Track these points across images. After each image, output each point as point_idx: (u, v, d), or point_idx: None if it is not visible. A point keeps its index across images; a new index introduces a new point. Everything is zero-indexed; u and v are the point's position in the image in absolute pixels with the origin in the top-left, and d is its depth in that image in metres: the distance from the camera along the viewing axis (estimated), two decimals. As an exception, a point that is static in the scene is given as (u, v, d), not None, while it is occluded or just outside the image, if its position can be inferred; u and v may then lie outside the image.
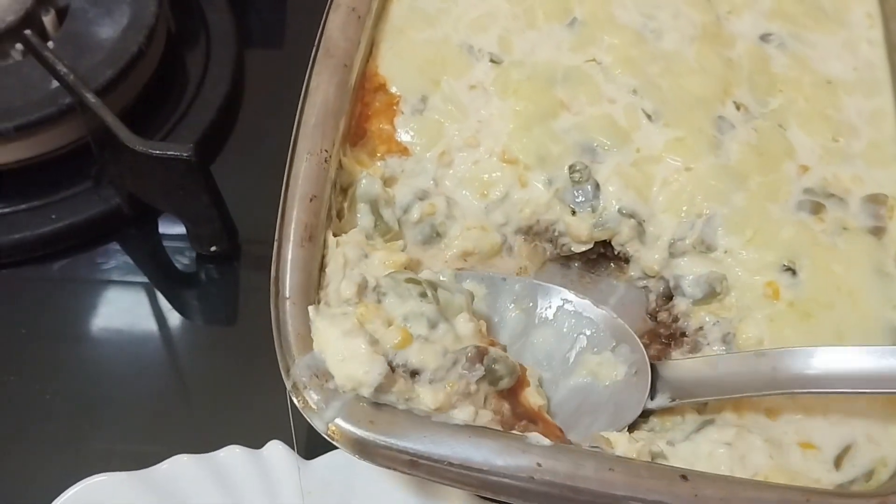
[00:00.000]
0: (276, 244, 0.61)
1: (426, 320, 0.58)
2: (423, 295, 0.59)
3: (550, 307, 0.67)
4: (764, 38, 0.78)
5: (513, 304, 0.67)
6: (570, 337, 0.66)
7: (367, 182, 0.67)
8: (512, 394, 0.60)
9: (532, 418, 0.60)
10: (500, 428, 0.57)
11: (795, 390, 0.58)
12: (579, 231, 0.69)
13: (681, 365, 0.63)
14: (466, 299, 0.62)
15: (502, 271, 0.70)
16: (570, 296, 0.66)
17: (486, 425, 0.57)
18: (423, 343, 0.57)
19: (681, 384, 0.62)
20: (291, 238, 0.61)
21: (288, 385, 0.56)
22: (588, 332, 0.65)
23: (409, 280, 0.60)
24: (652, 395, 0.62)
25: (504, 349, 0.62)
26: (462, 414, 0.56)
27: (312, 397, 0.55)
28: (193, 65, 0.89)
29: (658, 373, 0.63)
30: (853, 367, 0.57)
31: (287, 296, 0.59)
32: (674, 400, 0.62)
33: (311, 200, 0.62)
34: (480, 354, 0.58)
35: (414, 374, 0.57)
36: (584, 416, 0.63)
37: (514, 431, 0.57)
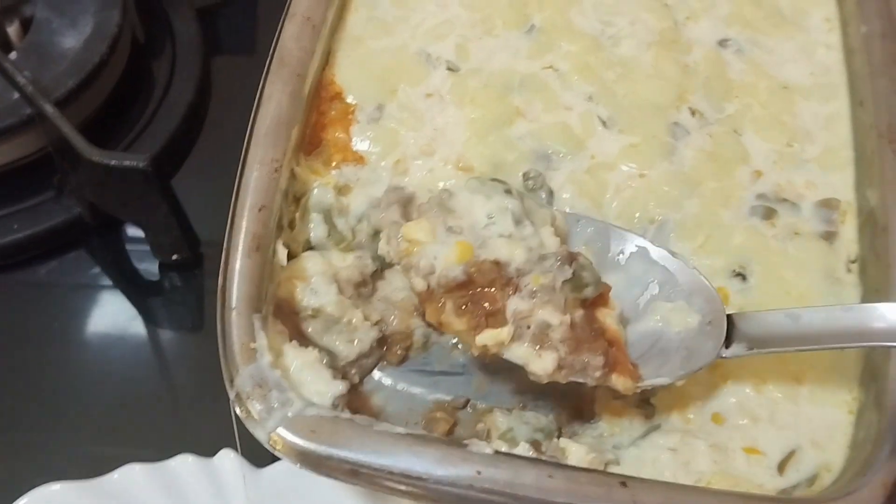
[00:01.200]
0: (223, 254, 0.61)
1: (511, 216, 0.60)
2: (509, 192, 0.61)
3: (623, 253, 0.66)
4: (722, 43, 0.79)
5: (584, 246, 0.66)
6: (642, 283, 0.65)
7: (319, 192, 0.68)
8: (592, 306, 0.61)
9: (609, 340, 0.60)
10: (571, 339, 0.58)
11: (888, 343, 0.58)
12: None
13: (760, 317, 0.61)
14: (552, 213, 0.62)
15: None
16: (646, 243, 0.65)
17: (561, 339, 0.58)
18: (508, 239, 0.59)
19: (759, 336, 0.60)
20: (240, 248, 0.61)
21: (231, 395, 0.57)
22: (661, 280, 0.64)
23: (495, 180, 0.63)
24: (727, 345, 0.61)
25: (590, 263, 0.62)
26: (547, 316, 0.57)
27: (255, 407, 0.56)
28: (159, 73, 0.90)
29: (735, 324, 0.61)
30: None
31: (233, 306, 0.59)
32: (751, 349, 0.60)
33: (259, 210, 0.63)
34: (571, 258, 0.59)
35: (498, 264, 0.58)
36: (654, 357, 0.62)
37: (584, 349, 0.59)
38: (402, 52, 0.76)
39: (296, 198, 0.68)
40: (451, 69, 0.75)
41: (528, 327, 0.58)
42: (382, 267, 0.68)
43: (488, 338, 0.59)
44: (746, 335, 0.60)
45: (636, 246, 0.65)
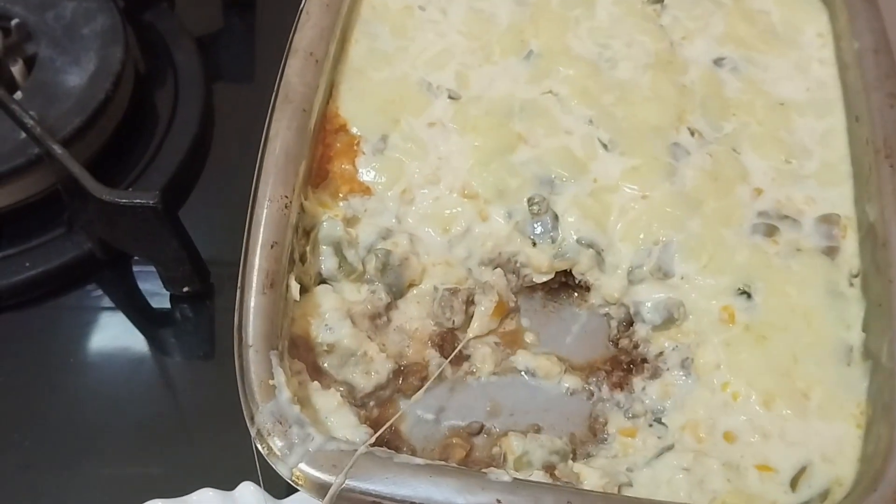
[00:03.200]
0: (238, 292, 0.62)
1: None
2: None
3: None
4: (717, 62, 0.80)
5: None
6: None
7: (328, 224, 0.69)
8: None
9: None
10: None
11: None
12: (540, 262, 0.71)
13: None
14: None
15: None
16: None
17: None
18: None
19: None
20: (254, 285, 0.62)
21: (252, 432, 0.58)
22: None
23: None
24: None
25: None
26: None
27: (276, 444, 0.57)
28: (162, 106, 0.91)
29: None
30: None
31: (250, 343, 0.60)
32: None
33: (272, 247, 0.64)
34: None
35: None
36: None
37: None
38: (403, 83, 0.77)
39: (305, 231, 0.69)
40: (453, 97, 0.76)
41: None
42: (395, 297, 0.69)
43: None
44: None
45: None
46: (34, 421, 0.76)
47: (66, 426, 0.76)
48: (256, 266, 0.63)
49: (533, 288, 0.73)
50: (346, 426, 0.63)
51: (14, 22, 0.86)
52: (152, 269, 0.82)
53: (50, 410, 0.76)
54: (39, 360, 0.79)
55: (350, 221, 0.71)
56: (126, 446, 0.75)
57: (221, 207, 0.87)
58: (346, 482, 0.55)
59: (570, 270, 0.72)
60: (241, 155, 0.86)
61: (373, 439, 0.59)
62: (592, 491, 0.58)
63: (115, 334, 0.82)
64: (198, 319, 0.83)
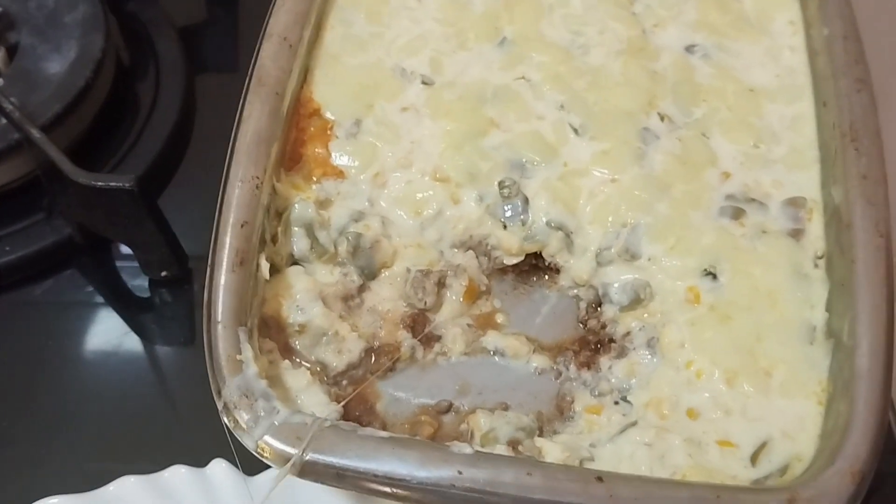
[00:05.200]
0: (208, 270, 0.63)
1: None
2: None
3: None
4: (689, 49, 0.81)
5: None
6: None
7: (300, 206, 0.70)
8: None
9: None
10: None
11: None
12: (510, 244, 0.72)
13: None
14: None
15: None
16: None
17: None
18: None
19: None
20: (224, 263, 0.63)
21: (219, 405, 0.59)
22: None
23: None
24: None
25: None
26: None
27: (243, 417, 0.58)
28: (144, 94, 0.92)
29: None
30: None
31: (218, 319, 0.61)
32: None
33: (242, 226, 0.65)
34: None
35: None
36: None
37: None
38: (377, 68, 0.78)
39: (278, 213, 0.70)
40: (426, 83, 0.77)
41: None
42: (367, 279, 0.70)
43: None
44: None
45: None
46: (11, 403, 0.77)
47: (41, 411, 0.77)
48: (227, 244, 0.64)
49: (504, 270, 0.74)
50: (317, 404, 0.64)
51: (-3, 11, 0.87)
52: (131, 254, 0.82)
53: (27, 393, 0.77)
54: (17, 344, 0.80)
55: (323, 204, 0.72)
56: (102, 427, 0.76)
57: (201, 195, 0.87)
58: (310, 455, 0.56)
59: (541, 253, 0.72)
60: (222, 144, 0.87)
61: (335, 412, 0.60)
62: (552, 463, 0.59)
63: (94, 319, 0.83)
64: (176, 304, 0.84)
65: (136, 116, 0.90)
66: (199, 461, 0.69)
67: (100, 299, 0.83)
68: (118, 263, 0.85)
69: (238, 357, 0.60)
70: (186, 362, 0.81)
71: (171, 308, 0.84)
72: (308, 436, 0.56)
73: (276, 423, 0.57)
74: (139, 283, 0.84)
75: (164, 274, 0.80)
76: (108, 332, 0.82)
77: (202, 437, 0.71)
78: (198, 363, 0.76)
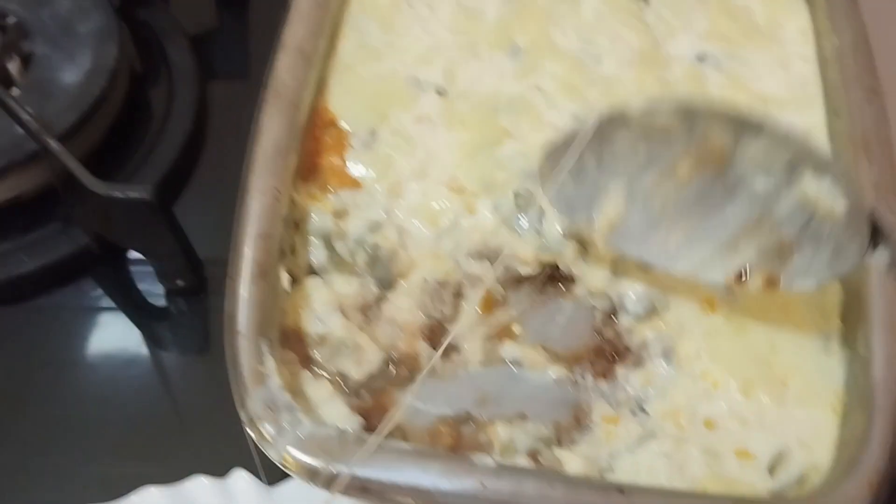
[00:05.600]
0: (228, 281, 0.64)
1: None
2: None
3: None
4: (700, 58, 0.81)
5: None
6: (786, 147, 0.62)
7: (318, 217, 0.70)
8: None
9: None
10: None
11: None
12: (525, 254, 0.72)
13: None
14: None
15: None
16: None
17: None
18: None
19: None
20: (245, 275, 0.64)
21: (243, 418, 0.59)
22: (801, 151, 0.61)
23: None
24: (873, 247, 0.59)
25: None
26: None
27: (267, 429, 0.58)
28: (157, 103, 0.92)
29: (879, 225, 0.59)
30: None
31: (241, 331, 0.62)
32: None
33: (262, 238, 0.65)
34: None
35: None
36: (806, 243, 0.63)
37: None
38: (392, 78, 0.78)
39: (295, 224, 0.71)
40: (440, 93, 0.78)
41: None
42: (385, 289, 0.71)
43: None
44: (892, 239, 0.58)
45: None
46: (29, 416, 0.77)
47: (61, 420, 0.77)
48: (247, 256, 0.64)
49: (520, 280, 0.75)
50: (338, 415, 0.64)
51: (11, 20, 0.87)
52: (147, 264, 0.83)
53: (45, 405, 0.78)
54: (35, 355, 0.81)
55: (339, 214, 0.72)
56: (121, 438, 0.76)
57: (215, 202, 0.88)
58: (335, 467, 0.57)
59: (556, 265, 0.73)
60: (235, 151, 0.87)
61: (357, 423, 0.61)
62: (574, 476, 0.60)
63: (110, 329, 0.83)
64: (192, 313, 0.84)
65: (150, 124, 0.90)
66: (217, 470, 0.69)
67: (115, 308, 0.83)
68: (133, 272, 0.85)
69: (261, 369, 0.60)
70: (201, 370, 0.81)
71: (186, 316, 0.84)
72: (355, 453, 0.57)
73: (300, 435, 0.58)
74: (154, 292, 0.84)
75: (179, 283, 0.81)
76: (123, 340, 0.82)
77: (219, 447, 0.72)
78: (213, 372, 0.76)
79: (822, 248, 0.62)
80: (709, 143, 0.62)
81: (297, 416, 0.59)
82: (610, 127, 0.65)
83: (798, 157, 0.61)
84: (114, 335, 0.83)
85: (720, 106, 0.63)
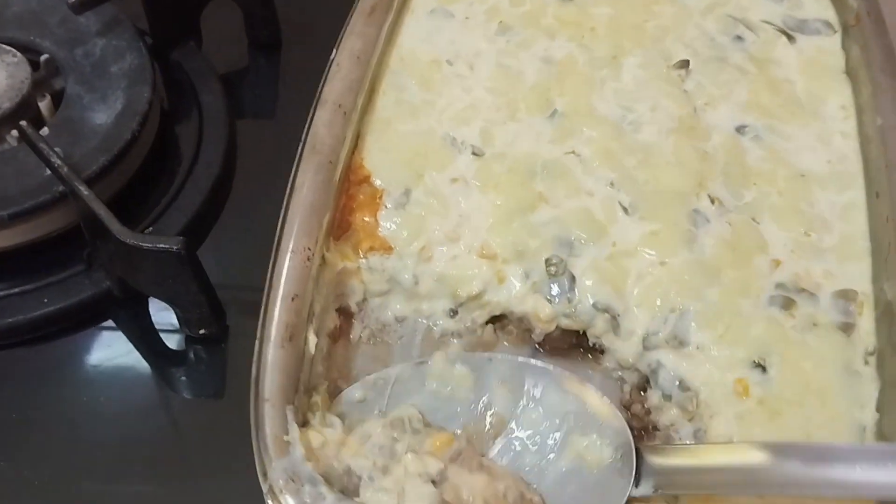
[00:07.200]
0: (257, 344, 0.63)
1: None
2: None
3: (537, 386, 0.68)
4: (739, 129, 0.80)
5: (500, 383, 0.68)
6: (559, 414, 0.67)
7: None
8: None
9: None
10: None
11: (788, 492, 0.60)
12: (542, 313, 0.71)
13: (666, 451, 0.64)
14: None
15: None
16: (558, 372, 0.68)
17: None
18: None
19: (664, 472, 0.62)
20: (273, 338, 0.63)
21: (264, 488, 0.58)
22: (575, 410, 0.66)
23: None
24: (637, 482, 0.62)
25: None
26: None
27: (288, 502, 0.57)
28: (186, 144, 0.91)
29: (643, 458, 0.63)
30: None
31: (266, 398, 0.61)
32: (657, 490, 0.62)
33: (292, 300, 0.64)
34: None
35: None
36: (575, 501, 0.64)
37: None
38: (428, 136, 0.78)
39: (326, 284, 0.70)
40: (476, 154, 0.77)
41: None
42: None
43: None
44: (654, 470, 0.62)
45: (547, 379, 0.68)
46: (45, 457, 0.76)
47: (75, 461, 0.76)
48: (276, 318, 0.63)
49: (549, 351, 0.74)
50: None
51: (43, 57, 0.87)
52: (168, 309, 0.82)
53: (61, 447, 0.77)
54: (53, 395, 0.80)
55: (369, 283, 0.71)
56: (136, 483, 0.75)
57: (240, 247, 0.88)
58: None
59: (585, 333, 0.72)
60: (262, 194, 0.87)
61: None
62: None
63: (129, 373, 0.82)
64: (211, 361, 0.83)
65: (179, 167, 0.89)
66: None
67: (134, 353, 0.82)
68: (154, 318, 0.84)
69: (285, 438, 0.59)
70: (218, 421, 0.80)
71: (206, 364, 0.83)
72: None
73: (322, 510, 0.57)
74: (175, 338, 0.83)
75: (202, 332, 0.80)
76: (141, 387, 0.81)
77: (232, 494, 0.70)
78: (229, 422, 0.76)
79: (589, 499, 0.63)
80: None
81: (319, 490, 0.58)
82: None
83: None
84: (132, 380, 0.82)
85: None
